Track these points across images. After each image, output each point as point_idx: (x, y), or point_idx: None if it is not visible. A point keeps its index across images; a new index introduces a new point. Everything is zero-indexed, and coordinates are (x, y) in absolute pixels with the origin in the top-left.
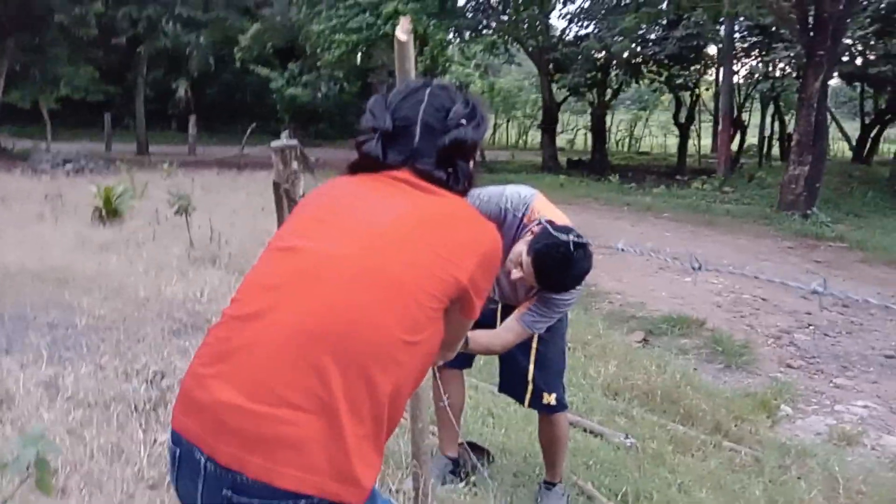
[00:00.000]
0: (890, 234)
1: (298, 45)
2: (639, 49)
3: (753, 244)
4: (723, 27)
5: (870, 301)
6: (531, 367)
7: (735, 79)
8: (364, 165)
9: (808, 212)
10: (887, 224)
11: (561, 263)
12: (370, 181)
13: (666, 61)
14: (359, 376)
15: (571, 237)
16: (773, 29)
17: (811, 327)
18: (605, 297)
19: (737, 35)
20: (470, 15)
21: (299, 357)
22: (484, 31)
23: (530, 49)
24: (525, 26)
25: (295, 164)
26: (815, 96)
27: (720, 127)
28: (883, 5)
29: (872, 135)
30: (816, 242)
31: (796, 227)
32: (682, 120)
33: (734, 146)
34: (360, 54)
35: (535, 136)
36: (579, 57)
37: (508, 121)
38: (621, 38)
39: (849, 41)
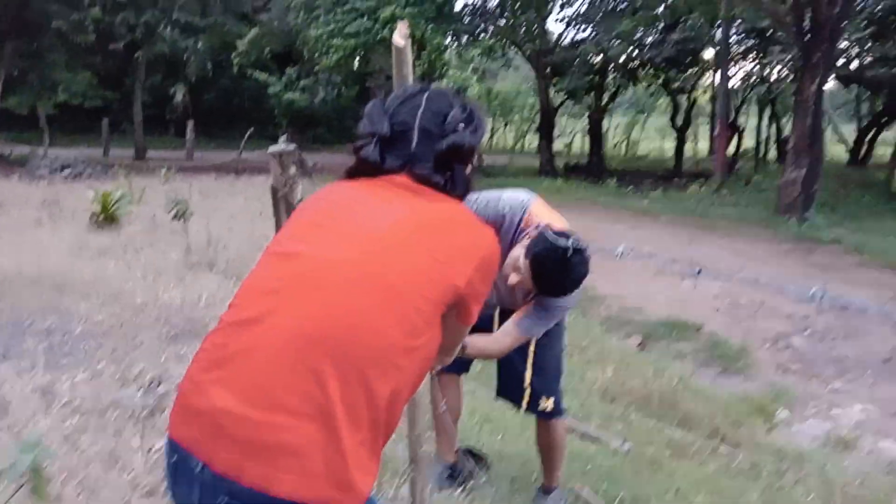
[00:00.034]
0: (887, 238)
1: (296, 50)
2: (635, 53)
3: (751, 248)
4: (719, 31)
5: (867, 303)
6: (529, 371)
7: (731, 82)
8: (362, 170)
9: (805, 215)
10: (884, 227)
11: (559, 268)
12: (368, 186)
13: (663, 65)
14: (357, 381)
15: (569, 242)
16: (770, 32)
17: (808, 331)
18: (603, 301)
19: (733, 39)
20: (467, 19)
21: (298, 361)
22: (481, 36)
23: (527, 53)
24: (522, 30)
25: (293, 169)
26: (811, 100)
27: (717, 130)
28: (879, 8)
29: (869, 138)
30: (813, 246)
31: (793, 231)
32: (679, 123)
33: (731, 150)
34: (357, 59)
35: (532, 140)
36: (576, 61)
37: (506, 125)
38: (618, 42)
39: (845, 44)
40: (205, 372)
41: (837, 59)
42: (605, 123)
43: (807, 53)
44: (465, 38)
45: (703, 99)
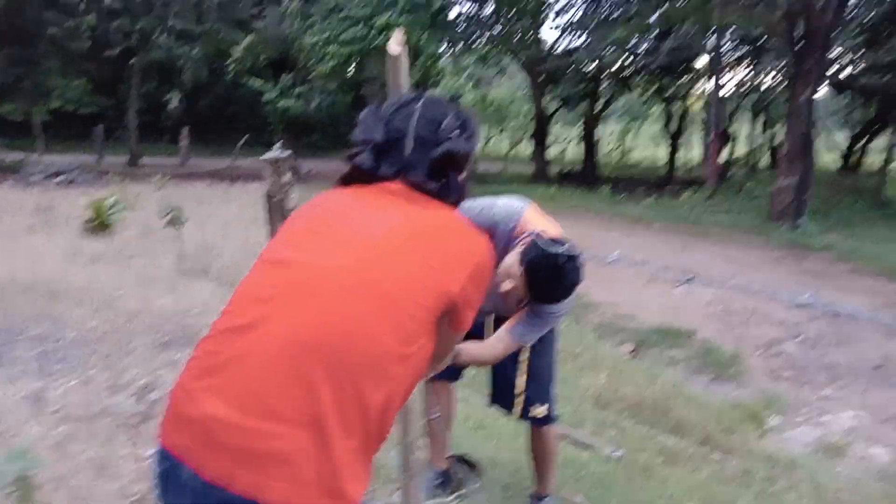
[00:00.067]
0: (878, 244)
1: (291, 57)
2: (629, 60)
3: (743, 254)
4: (712, 39)
5: (859, 310)
6: (521, 378)
7: (724, 90)
8: (356, 177)
9: (798, 222)
10: (876, 234)
11: (552, 275)
12: (363, 193)
13: (656, 73)
14: (350, 389)
15: (563, 248)
16: (763, 40)
17: (800, 338)
18: (596, 308)
19: (726, 46)
20: (462, 27)
21: (291, 369)
22: (476, 44)
23: (522, 61)
24: (516, 39)
25: (287, 176)
26: (803, 107)
27: (710, 138)
28: (870, 16)
29: (861, 145)
30: (806, 252)
31: (786, 238)
32: (672, 131)
33: (723, 157)
34: (352, 66)
35: (526, 148)
36: (570, 68)
37: (501, 132)
38: (612, 50)
39: (837, 52)
40: (197, 379)
41: (829, 67)
42: (598, 131)
43: (799, 61)
44: (459, 46)
45: (696, 106)
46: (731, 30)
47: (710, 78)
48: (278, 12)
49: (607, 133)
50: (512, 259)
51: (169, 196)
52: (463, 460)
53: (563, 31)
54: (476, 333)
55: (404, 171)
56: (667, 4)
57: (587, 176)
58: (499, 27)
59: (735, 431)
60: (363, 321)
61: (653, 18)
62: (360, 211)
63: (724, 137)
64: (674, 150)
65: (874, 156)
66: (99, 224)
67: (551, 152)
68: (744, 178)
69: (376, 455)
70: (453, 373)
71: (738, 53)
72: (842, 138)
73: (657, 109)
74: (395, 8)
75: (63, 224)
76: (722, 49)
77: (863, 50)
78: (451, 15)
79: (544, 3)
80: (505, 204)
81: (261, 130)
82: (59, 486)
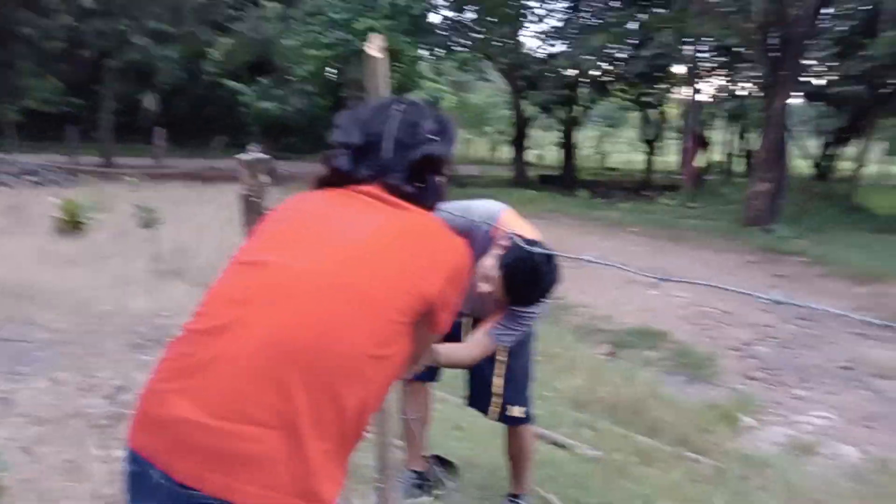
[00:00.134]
0: (849, 249)
1: (269, 60)
2: (607, 67)
3: (718, 258)
4: (689, 47)
5: (829, 310)
6: (498, 380)
7: (701, 97)
8: (333, 180)
9: (771, 227)
10: (847, 239)
11: (529, 277)
12: (340, 196)
13: (634, 80)
14: (324, 391)
15: (539, 250)
16: (738, 49)
17: (772, 340)
18: (574, 310)
19: (702, 55)
20: (443, 33)
21: (265, 371)
22: (456, 49)
23: (501, 67)
24: (496, 44)
25: (263, 177)
26: (777, 115)
27: (686, 144)
28: (843, 28)
29: (832, 153)
30: (779, 257)
31: (759, 242)
32: (649, 137)
33: (699, 163)
34: (332, 70)
35: (505, 151)
36: (549, 74)
37: (480, 135)
38: (590, 57)
39: (810, 62)
40: (168, 381)
41: (802, 77)
42: (577, 136)
43: (773, 70)
44: (439, 51)
45: (672, 113)
46: (707, 39)
47: (687, 85)
48: (257, 14)
49: (585, 138)
50: (489, 261)
51: (144, 197)
52: (440, 461)
53: (543, 38)
54: (454, 335)
55: (382, 173)
56: (645, 13)
57: (566, 180)
58: (479, 33)
59: (709, 431)
60: (339, 323)
61: (630, 25)
62: (338, 213)
63: (701, 142)
64: (651, 155)
65: (845, 163)
66: (72, 224)
67: (530, 156)
68: (719, 184)
69: (352, 456)
70: (431, 374)
71: (715, 64)
72: (814, 146)
73: (634, 115)
74: (375, 12)
75: (35, 225)
76: (699, 56)
77: (835, 61)
78: (432, 20)
79: (524, 11)
80: (482, 207)
81: (238, 132)
82: (28, 489)
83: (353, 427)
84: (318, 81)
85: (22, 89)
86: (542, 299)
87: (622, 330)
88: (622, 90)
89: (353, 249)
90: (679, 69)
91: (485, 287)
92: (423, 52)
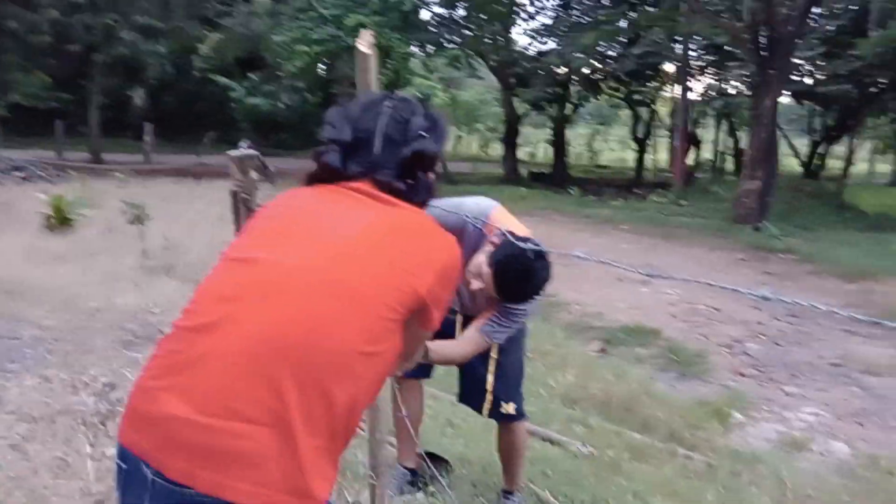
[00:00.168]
0: (837, 247)
1: (259, 56)
2: (598, 65)
3: (708, 256)
4: (679, 46)
5: (817, 307)
6: (490, 376)
7: (691, 96)
8: (323, 176)
9: (760, 225)
10: (835, 237)
11: (521, 274)
12: (330, 193)
13: (625, 78)
14: (315, 388)
15: (531, 248)
16: (728, 48)
17: (762, 337)
18: (565, 307)
19: (693, 53)
20: (434, 29)
21: (255, 367)
22: (447, 46)
23: (492, 64)
24: (487, 41)
25: (253, 174)
26: (767, 114)
27: (676, 142)
28: (831, 28)
29: (821, 151)
30: (768, 255)
31: (749, 240)
32: (640, 135)
33: (690, 161)
34: (322, 66)
35: (496, 149)
36: (540, 72)
37: (470, 132)
38: (581, 55)
39: (799, 61)
40: (157, 378)
41: (791, 75)
42: (568, 133)
43: (762, 69)
44: (430, 48)
45: (663, 111)
46: (697, 37)
47: (677, 83)
48: (247, 10)
49: (577, 136)
50: (481, 259)
51: (133, 193)
52: (432, 457)
53: (533, 37)
54: (446, 332)
55: (373, 170)
56: (635, 12)
57: (557, 178)
58: (470, 30)
59: (700, 428)
60: (330, 320)
61: (621, 24)
62: (328, 210)
63: (692, 140)
64: (641, 153)
65: (834, 162)
66: (60, 221)
67: (521, 154)
68: (710, 182)
69: (345, 452)
70: (423, 371)
71: (705, 62)
72: (803, 144)
73: (625, 113)
74: (365, 8)
75: (22, 221)
76: (689, 55)
77: (823, 60)
78: (423, 16)
79: (515, 8)
80: (472, 204)
81: (228, 128)
82: (17, 487)
83: (344, 423)
84: (309, 78)
85: (9, 84)
86: (534, 296)
87: (614, 327)
88: (613, 88)
89: (344, 246)
90: (669, 67)
91: (476, 284)
92: (414, 49)
